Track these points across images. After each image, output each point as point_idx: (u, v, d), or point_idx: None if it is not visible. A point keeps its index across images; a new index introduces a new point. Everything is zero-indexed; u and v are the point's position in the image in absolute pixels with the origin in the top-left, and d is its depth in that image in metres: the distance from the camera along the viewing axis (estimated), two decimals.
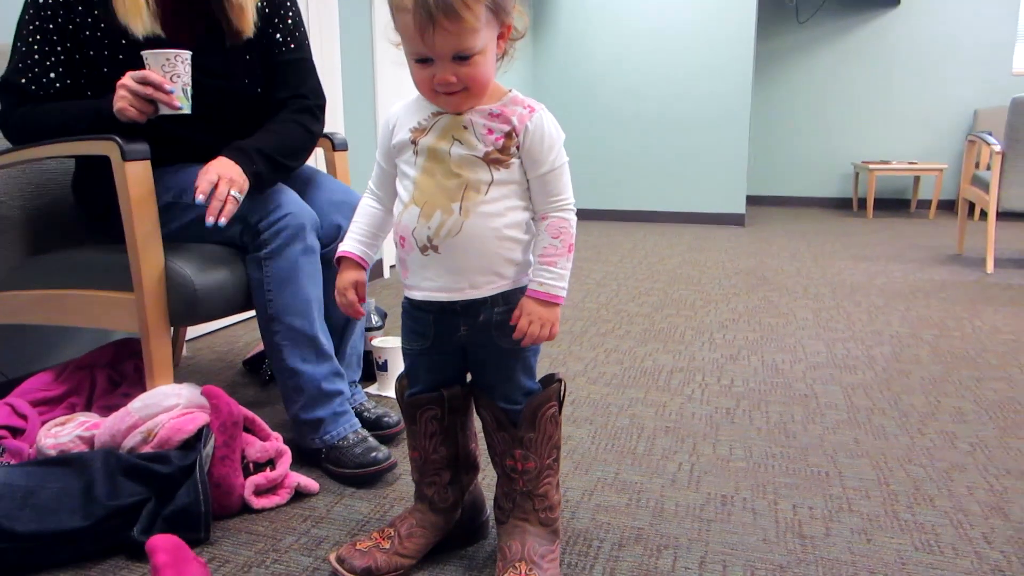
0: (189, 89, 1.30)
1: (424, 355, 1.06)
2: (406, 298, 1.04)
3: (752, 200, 6.21)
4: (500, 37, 0.93)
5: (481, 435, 1.13)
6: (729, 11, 4.79)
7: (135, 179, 1.23)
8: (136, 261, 1.25)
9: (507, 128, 0.94)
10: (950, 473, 1.40)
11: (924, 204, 5.91)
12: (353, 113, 3.02)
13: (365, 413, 1.54)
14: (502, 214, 0.95)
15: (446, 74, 0.88)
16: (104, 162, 1.28)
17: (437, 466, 1.09)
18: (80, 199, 1.51)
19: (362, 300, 1.07)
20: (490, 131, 0.94)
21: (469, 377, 1.10)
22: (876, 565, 1.10)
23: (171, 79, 1.27)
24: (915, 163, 5.59)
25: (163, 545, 0.80)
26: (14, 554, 1.08)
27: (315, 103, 1.54)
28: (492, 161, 0.94)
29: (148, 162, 1.26)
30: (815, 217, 5.48)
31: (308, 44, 1.56)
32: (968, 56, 5.66)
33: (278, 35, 1.51)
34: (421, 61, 0.89)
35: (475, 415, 1.12)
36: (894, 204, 6.02)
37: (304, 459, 1.42)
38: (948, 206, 5.71)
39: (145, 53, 1.28)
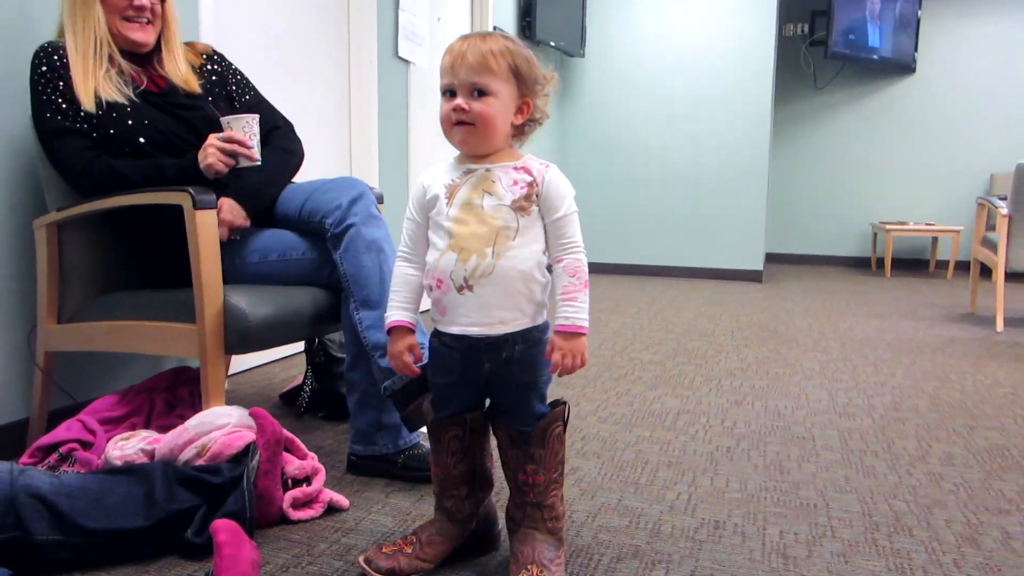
0: (260, 146, 1.59)
1: (450, 387, 1.21)
2: (435, 337, 1.19)
3: (772, 258, 6.34)
4: (519, 110, 1.13)
5: (496, 455, 1.27)
6: (748, 76, 5.03)
7: (203, 225, 1.43)
8: (200, 296, 1.44)
9: (529, 179, 1.13)
10: (931, 508, 1.51)
11: (943, 265, 6.00)
12: (387, 174, 3.25)
13: None
14: (527, 258, 1.11)
15: (462, 101, 1.09)
16: (164, 214, 1.52)
17: (456, 481, 1.23)
18: (146, 247, 1.72)
19: (419, 360, 1.22)
20: (515, 182, 1.13)
21: (488, 403, 1.25)
22: None
23: (249, 137, 1.55)
24: (932, 224, 5.71)
25: (225, 526, 0.96)
26: (85, 549, 1.24)
27: (287, 129, 1.86)
28: (518, 208, 1.11)
29: (215, 211, 1.46)
30: (833, 275, 5.59)
31: (259, 92, 1.91)
32: (984, 122, 5.82)
33: (233, 86, 1.84)
34: (448, 94, 1.11)
35: (492, 436, 1.27)
36: (913, 264, 6.11)
37: (363, 470, 1.63)
38: (966, 267, 5.78)
39: (225, 118, 1.56)
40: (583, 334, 1.11)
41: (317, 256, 1.65)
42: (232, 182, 1.64)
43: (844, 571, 1.25)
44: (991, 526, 1.43)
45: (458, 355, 1.16)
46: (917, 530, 1.41)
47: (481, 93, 1.09)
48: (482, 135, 1.11)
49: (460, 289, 1.11)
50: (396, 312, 1.20)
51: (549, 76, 1.15)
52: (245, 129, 1.55)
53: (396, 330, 1.20)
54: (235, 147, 1.54)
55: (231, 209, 1.61)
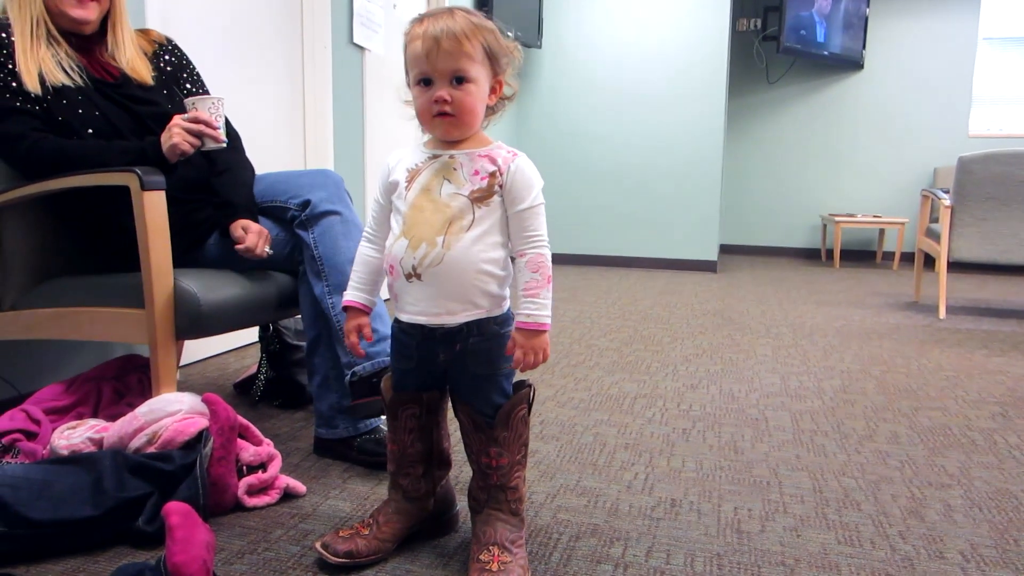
0: (225, 128, 1.56)
1: (410, 372, 1.20)
2: (395, 322, 1.19)
3: (725, 249, 6.45)
4: (492, 90, 1.11)
5: (455, 436, 1.27)
6: (703, 70, 5.09)
7: (152, 207, 1.39)
8: (149, 280, 1.40)
9: (492, 168, 1.09)
10: (878, 484, 1.55)
11: (889, 256, 6.18)
12: (343, 163, 3.21)
13: None
14: (481, 250, 1.09)
15: (443, 92, 1.05)
16: (113, 197, 1.47)
17: (412, 459, 1.23)
18: (93, 230, 1.66)
19: (368, 340, 1.22)
20: (476, 172, 1.09)
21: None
22: (802, 555, 1.24)
23: (216, 119, 1.51)
24: (879, 216, 5.87)
25: (177, 509, 0.93)
26: (31, 540, 1.20)
27: (234, 144, 1.74)
28: (476, 199, 1.09)
29: (164, 192, 1.42)
30: (784, 266, 5.71)
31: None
32: (928, 118, 6.01)
33: (188, 85, 1.78)
34: (424, 83, 1.07)
35: (451, 417, 1.27)
36: (860, 255, 6.28)
37: (326, 453, 1.63)
38: (911, 258, 5.97)
39: (190, 99, 1.52)
40: (545, 331, 1.09)
41: (276, 236, 1.62)
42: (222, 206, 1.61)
43: (796, 544, 1.28)
44: (934, 500, 1.48)
45: (415, 343, 1.16)
46: (865, 504, 1.45)
47: (461, 80, 1.05)
48: (463, 125, 1.09)
49: (408, 277, 1.10)
50: (352, 292, 1.21)
51: (511, 47, 1.12)
52: (211, 110, 1.51)
53: (349, 310, 1.22)
54: (201, 127, 1.49)
55: (260, 230, 1.59)
